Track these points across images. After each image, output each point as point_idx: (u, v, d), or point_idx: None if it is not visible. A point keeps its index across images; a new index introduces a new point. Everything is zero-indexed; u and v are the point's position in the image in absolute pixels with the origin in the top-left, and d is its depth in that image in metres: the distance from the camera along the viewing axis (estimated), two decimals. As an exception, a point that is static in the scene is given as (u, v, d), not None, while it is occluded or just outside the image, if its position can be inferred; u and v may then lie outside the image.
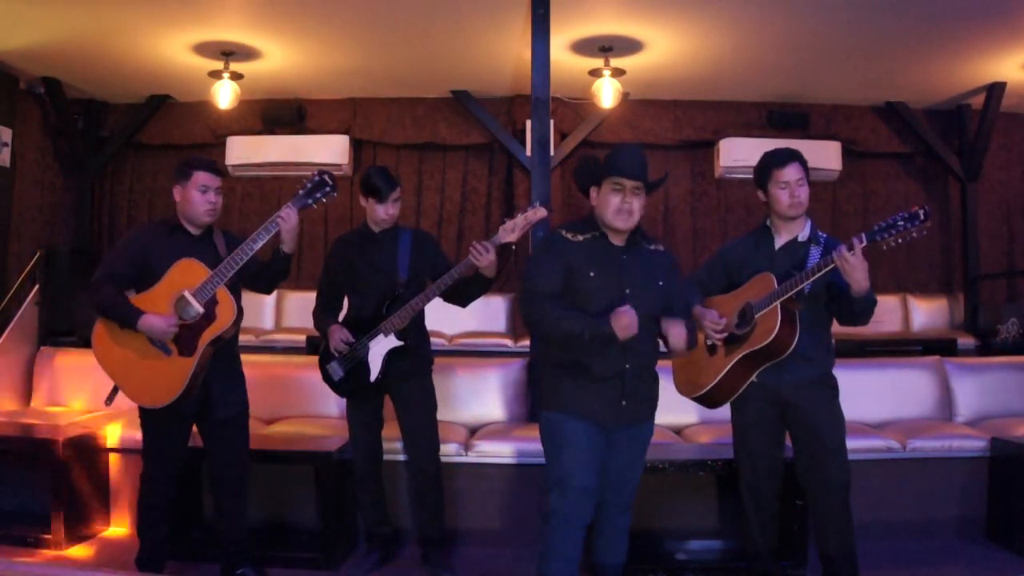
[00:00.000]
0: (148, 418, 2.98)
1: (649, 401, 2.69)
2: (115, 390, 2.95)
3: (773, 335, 2.72)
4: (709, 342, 2.93)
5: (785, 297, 2.72)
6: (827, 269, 2.65)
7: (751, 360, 2.82)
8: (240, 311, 2.94)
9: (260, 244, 2.89)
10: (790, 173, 2.85)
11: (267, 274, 3.11)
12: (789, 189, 2.84)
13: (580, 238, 2.64)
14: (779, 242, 2.92)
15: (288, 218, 2.91)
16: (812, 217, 2.98)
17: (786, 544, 3.27)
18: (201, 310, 2.84)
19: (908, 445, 3.81)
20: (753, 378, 2.85)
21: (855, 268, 2.58)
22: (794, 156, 2.88)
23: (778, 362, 2.79)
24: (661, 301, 2.64)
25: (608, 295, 2.56)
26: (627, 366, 2.57)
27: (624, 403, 2.58)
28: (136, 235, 3.07)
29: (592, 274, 2.58)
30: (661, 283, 2.65)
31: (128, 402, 2.98)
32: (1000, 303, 6.40)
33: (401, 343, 3.21)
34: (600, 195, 2.63)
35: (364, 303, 3.29)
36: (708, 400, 2.96)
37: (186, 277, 2.86)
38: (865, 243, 2.59)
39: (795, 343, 2.74)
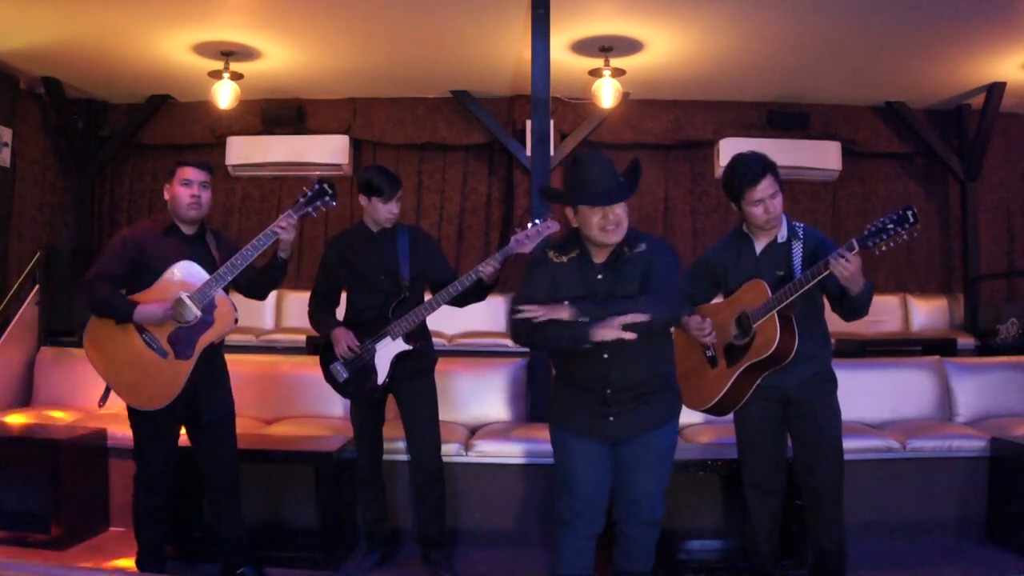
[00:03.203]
0: (138, 420, 2.98)
1: (650, 417, 2.51)
2: (108, 390, 2.96)
3: (775, 345, 2.71)
4: (709, 353, 2.93)
5: (781, 306, 2.71)
6: (821, 276, 2.61)
7: (755, 369, 2.81)
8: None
9: (260, 250, 2.90)
10: (763, 190, 2.73)
11: (264, 280, 3.13)
12: (763, 205, 2.75)
13: (564, 259, 2.52)
14: (759, 246, 2.88)
15: (288, 228, 2.93)
16: (812, 217, 2.97)
17: (786, 544, 3.27)
18: (199, 313, 2.85)
19: (908, 445, 3.81)
20: (758, 382, 2.85)
21: (854, 273, 2.56)
22: (764, 171, 2.74)
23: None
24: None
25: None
26: (610, 376, 2.45)
27: (612, 419, 2.48)
28: (130, 235, 3.04)
29: (566, 303, 2.43)
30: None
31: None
32: (1000, 303, 6.39)
33: (410, 347, 3.22)
34: (578, 214, 2.44)
35: (368, 304, 3.27)
36: (716, 410, 2.96)
37: (184, 280, 2.87)
38: (857, 250, 2.55)
39: (796, 347, 2.73)
